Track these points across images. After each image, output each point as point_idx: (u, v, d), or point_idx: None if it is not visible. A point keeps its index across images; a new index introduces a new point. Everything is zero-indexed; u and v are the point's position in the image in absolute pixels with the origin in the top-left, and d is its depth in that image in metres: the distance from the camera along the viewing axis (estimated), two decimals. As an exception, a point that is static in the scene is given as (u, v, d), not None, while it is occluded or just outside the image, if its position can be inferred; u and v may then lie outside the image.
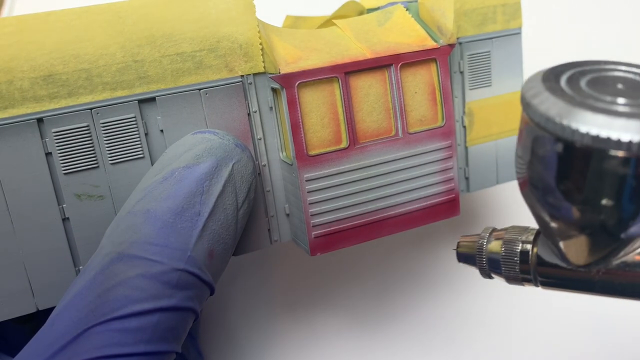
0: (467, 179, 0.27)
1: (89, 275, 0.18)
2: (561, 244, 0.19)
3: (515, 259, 0.21)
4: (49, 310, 0.20)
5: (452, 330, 0.35)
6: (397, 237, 0.35)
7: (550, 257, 0.20)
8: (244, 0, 0.22)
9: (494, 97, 0.27)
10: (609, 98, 0.16)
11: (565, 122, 0.15)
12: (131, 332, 0.17)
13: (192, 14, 0.21)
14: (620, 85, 0.16)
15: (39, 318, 0.23)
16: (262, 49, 0.22)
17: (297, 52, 0.22)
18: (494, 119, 0.27)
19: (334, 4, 0.32)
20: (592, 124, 0.15)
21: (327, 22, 0.29)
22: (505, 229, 0.22)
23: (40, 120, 0.20)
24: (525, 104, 0.17)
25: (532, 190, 0.18)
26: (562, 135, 0.15)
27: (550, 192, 0.17)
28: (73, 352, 0.17)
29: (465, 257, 0.23)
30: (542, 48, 0.38)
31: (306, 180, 0.22)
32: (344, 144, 0.23)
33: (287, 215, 0.24)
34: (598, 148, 0.15)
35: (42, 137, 0.20)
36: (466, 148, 0.27)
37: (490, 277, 0.22)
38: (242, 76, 0.22)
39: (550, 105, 0.16)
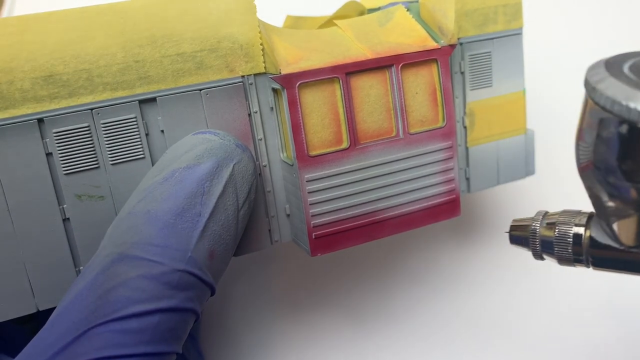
0: (467, 179, 0.27)
1: (89, 275, 0.18)
2: (615, 225, 0.20)
3: (569, 240, 0.22)
4: (50, 311, 0.20)
5: (452, 330, 0.35)
6: (398, 238, 0.35)
7: (603, 239, 0.21)
8: (245, 0, 0.22)
9: (494, 97, 0.27)
10: None
11: (631, 104, 0.16)
12: (132, 333, 0.17)
13: (193, 14, 0.21)
14: None
15: (39, 318, 0.23)
16: (263, 50, 0.22)
17: (298, 53, 0.22)
18: (494, 119, 0.27)
19: (334, 4, 0.32)
20: None
21: (328, 22, 0.29)
22: (558, 213, 0.23)
23: (40, 121, 0.20)
24: (591, 88, 0.18)
25: (595, 171, 0.19)
26: (627, 117, 0.17)
27: (612, 172, 0.18)
28: (73, 353, 0.17)
29: (518, 239, 0.24)
30: (543, 49, 0.38)
31: (307, 181, 0.22)
32: (344, 145, 0.23)
33: (288, 215, 0.24)
34: None
35: (42, 138, 0.20)
36: (467, 148, 0.27)
37: (542, 259, 0.23)
38: (242, 76, 0.22)
39: (617, 90, 0.17)
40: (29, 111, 0.20)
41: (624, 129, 0.17)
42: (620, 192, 0.18)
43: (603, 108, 0.17)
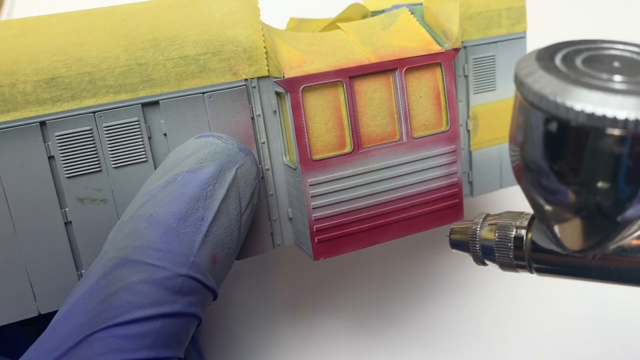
0: (470, 183, 0.27)
1: (91, 280, 0.18)
2: (556, 229, 0.18)
3: (509, 244, 0.20)
4: (51, 314, 0.20)
5: (452, 332, 0.35)
6: (399, 241, 0.35)
7: (545, 243, 0.19)
8: (249, 3, 0.22)
9: (498, 101, 0.27)
10: (605, 76, 0.15)
11: (559, 99, 0.15)
12: (134, 338, 0.17)
13: (196, 17, 0.21)
14: (616, 64, 0.16)
15: (40, 321, 0.23)
16: (266, 53, 0.22)
17: (301, 56, 0.22)
18: (498, 123, 0.27)
19: (337, 7, 0.32)
20: (587, 102, 0.14)
21: (331, 25, 0.29)
22: (499, 215, 0.21)
23: (43, 124, 0.20)
24: (519, 83, 0.16)
25: (527, 173, 0.17)
26: (556, 114, 0.15)
27: (545, 174, 0.16)
28: (75, 357, 0.17)
29: (458, 244, 0.22)
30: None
31: (310, 185, 0.22)
32: (348, 149, 0.23)
33: (290, 219, 0.24)
34: (593, 126, 0.14)
35: (44, 141, 0.20)
36: (470, 152, 0.27)
37: (484, 264, 0.22)
38: (246, 80, 0.22)
39: (545, 84, 0.15)
40: (31, 114, 0.19)
41: (553, 126, 0.15)
42: (555, 196, 0.16)
43: (531, 104, 0.15)
